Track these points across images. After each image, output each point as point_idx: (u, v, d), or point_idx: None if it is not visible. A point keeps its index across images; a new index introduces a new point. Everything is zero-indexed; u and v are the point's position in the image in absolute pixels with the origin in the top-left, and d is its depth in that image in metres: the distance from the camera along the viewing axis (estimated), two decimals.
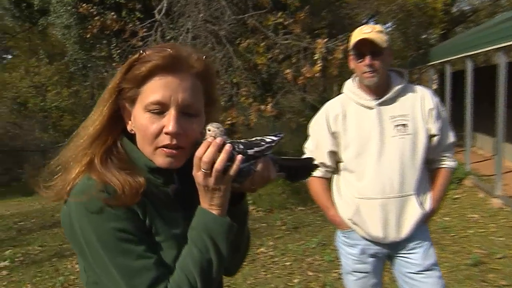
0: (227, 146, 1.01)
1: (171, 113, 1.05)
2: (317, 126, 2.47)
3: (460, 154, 9.26)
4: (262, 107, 7.20)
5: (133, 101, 1.09)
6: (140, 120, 1.07)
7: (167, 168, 1.09)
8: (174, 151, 1.07)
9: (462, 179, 7.77)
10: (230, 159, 1.01)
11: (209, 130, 1.05)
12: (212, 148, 1.00)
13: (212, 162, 1.00)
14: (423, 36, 16.43)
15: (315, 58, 6.74)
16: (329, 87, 20.59)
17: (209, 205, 1.05)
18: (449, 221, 6.05)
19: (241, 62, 7.24)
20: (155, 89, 1.05)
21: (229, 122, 7.17)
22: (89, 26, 7.12)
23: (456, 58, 9.20)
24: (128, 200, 1.03)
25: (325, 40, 6.64)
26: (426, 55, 12.55)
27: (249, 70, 7.59)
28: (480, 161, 8.95)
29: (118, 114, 1.12)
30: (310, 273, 4.78)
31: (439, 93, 11.36)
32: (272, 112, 7.21)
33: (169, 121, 1.04)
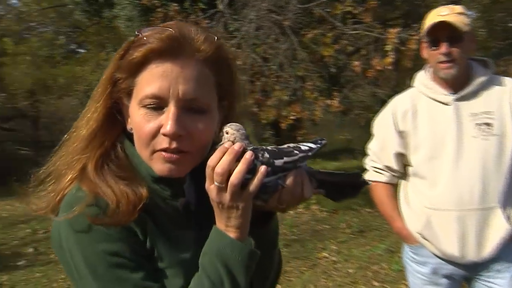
0: (248, 155, 0.85)
1: (170, 110, 0.88)
2: (383, 124, 2.20)
3: None
4: (328, 101, 6.91)
5: (129, 94, 0.92)
6: (135, 118, 0.91)
7: (175, 177, 0.92)
8: (174, 155, 0.89)
9: None
10: (251, 170, 0.85)
11: (226, 133, 0.88)
12: (228, 156, 0.84)
13: (228, 174, 0.84)
14: None
15: (387, 49, 6.33)
16: (402, 81, 19.68)
17: (225, 226, 0.89)
18: None
19: (306, 54, 6.97)
20: (151, 80, 0.89)
21: (292, 118, 6.98)
22: (152, 18, 7.16)
23: None
24: (123, 217, 0.86)
25: (398, 29, 6.21)
26: None
27: (315, 63, 7.31)
28: None
29: (115, 110, 0.95)
30: (376, 283, 4.49)
31: None
32: (339, 108, 6.89)
33: (167, 119, 0.88)
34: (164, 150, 0.89)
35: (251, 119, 11.01)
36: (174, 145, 0.89)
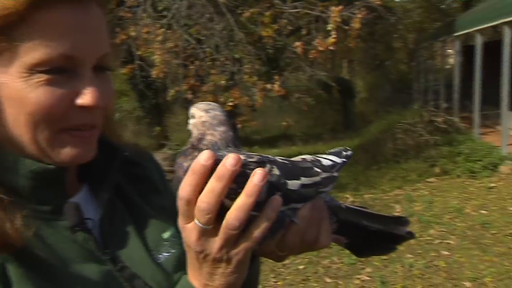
0: (258, 176, 0.54)
1: (86, 73, 0.65)
2: None
3: (494, 135, 8.75)
4: (269, 86, 6.72)
5: None
6: (18, 90, 0.62)
7: (57, 175, 0.67)
8: (88, 133, 0.68)
9: (498, 165, 7.28)
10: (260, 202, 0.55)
11: (192, 117, 0.64)
12: (218, 183, 0.54)
13: (219, 208, 0.55)
14: (444, 4, 15.81)
15: (329, 28, 6.22)
16: (337, 63, 19.89)
17: (203, 285, 0.62)
18: (488, 215, 5.58)
19: (243, 34, 6.72)
20: (52, 34, 0.62)
21: (231, 104, 6.74)
22: None
23: (489, 27, 8.68)
24: None
25: (340, 7, 6.11)
26: (450, 26, 12.00)
27: (253, 44, 7.07)
28: None
29: None
30: None
31: (464, 68, 10.84)
32: (281, 92, 6.72)
33: (88, 86, 0.65)
34: (78, 128, 0.66)
35: (186, 107, 10.65)
36: (95, 119, 0.67)
